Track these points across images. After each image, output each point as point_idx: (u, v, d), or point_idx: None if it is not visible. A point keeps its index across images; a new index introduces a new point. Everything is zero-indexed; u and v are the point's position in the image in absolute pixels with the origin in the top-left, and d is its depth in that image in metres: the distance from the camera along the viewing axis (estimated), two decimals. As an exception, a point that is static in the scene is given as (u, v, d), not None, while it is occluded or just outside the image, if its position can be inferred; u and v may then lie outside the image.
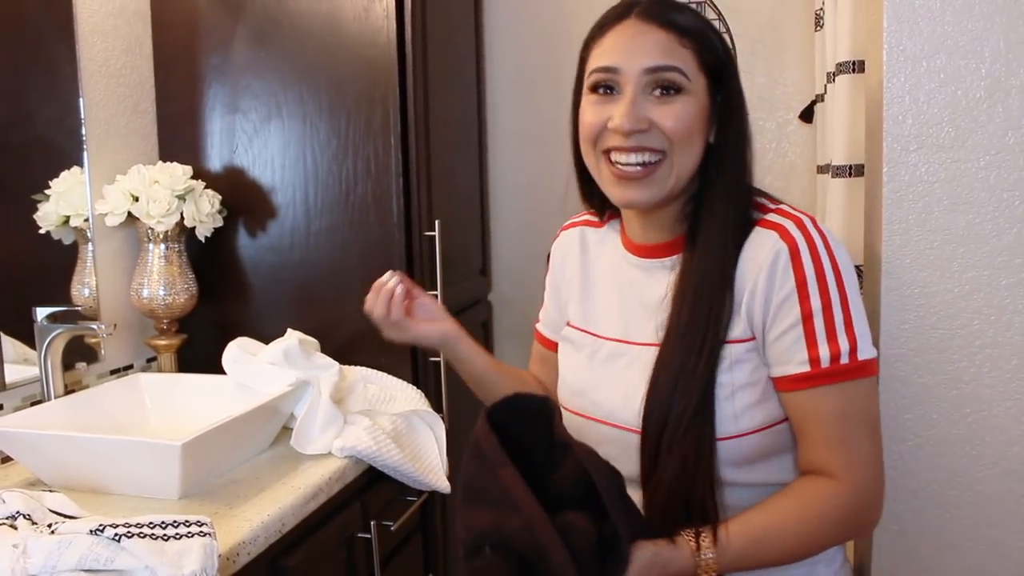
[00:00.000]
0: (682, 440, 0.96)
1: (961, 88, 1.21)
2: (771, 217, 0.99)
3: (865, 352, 0.96)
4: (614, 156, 1.01)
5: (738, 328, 0.99)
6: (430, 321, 1.31)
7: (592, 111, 1.02)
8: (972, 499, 1.26)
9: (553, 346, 1.27)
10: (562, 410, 1.14)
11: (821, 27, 1.94)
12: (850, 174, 1.60)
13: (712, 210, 1.01)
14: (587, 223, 1.23)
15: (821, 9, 1.93)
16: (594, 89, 1.02)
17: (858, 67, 1.59)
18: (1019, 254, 1.20)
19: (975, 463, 1.25)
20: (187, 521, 1.01)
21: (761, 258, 0.96)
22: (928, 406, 1.24)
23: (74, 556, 0.93)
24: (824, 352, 0.95)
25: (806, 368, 0.96)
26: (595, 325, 1.14)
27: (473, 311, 2.28)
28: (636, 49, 0.99)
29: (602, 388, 1.10)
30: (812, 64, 2.12)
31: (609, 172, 1.02)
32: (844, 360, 0.95)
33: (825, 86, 1.89)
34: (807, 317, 0.95)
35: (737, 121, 1.03)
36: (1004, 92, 1.19)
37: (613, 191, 1.03)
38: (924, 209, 1.22)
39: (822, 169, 1.94)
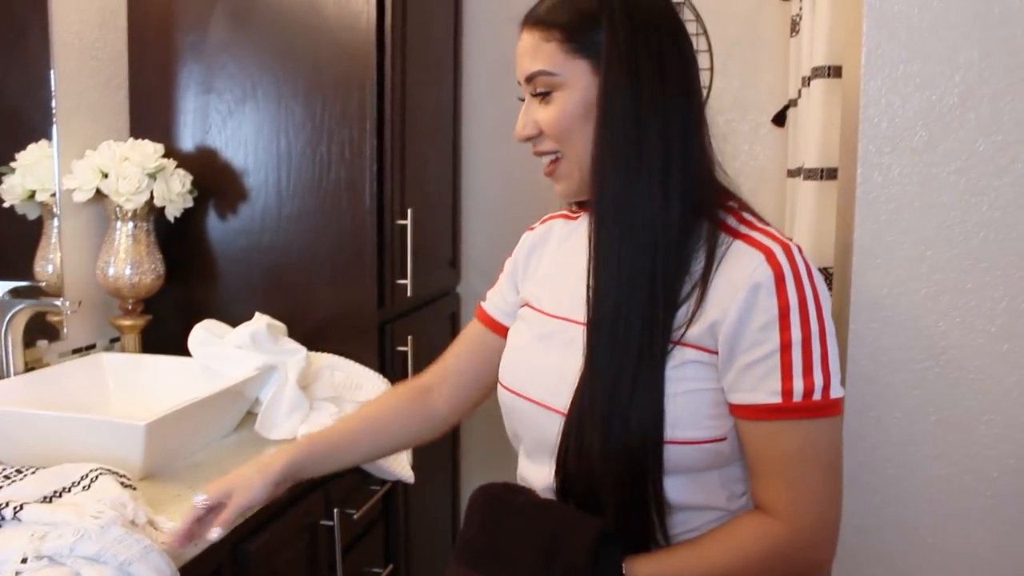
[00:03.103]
0: (612, 439, 0.93)
1: (936, 93, 1.23)
2: (758, 237, 0.95)
3: (836, 391, 0.93)
4: None
5: (693, 331, 0.94)
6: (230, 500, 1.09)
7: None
8: (932, 496, 1.28)
9: (489, 322, 1.23)
10: (500, 392, 1.12)
11: (797, 32, 1.96)
12: (822, 177, 1.62)
13: (597, 178, 0.97)
14: (564, 216, 1.22)
15: (798, 15, 1.95)
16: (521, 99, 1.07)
17: (834, 72, 1.61)
18: (985, 258, 1.22)
19: (936, 461, 1.27)
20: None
21: (743, 277, 0.92)
22: (892, 404, 1.26)
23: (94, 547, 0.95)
24: (798, 386, 0.91)
25: (776, 400, 0.91)
26: (547, 305, 1.11)
27: (442, 302, 2.28)
28: (518, 60, 1.03)
29: (536, 366, 1.07)
30: (787, 69, 2.14)
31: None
32: (816, 396, 0.91)
33: (799, 90, 1.91)
34: (785, 348, 0.91)
35: (630, 80, 0.95)
36: (976, 99, 1.22)
37: (555, 188, 1.07)
38: (895, 211, 1.23)
39: (793, 173, 1.96)
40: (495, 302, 1.24)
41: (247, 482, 1.09)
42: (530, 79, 1.01)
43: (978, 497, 1.27)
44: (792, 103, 2.05)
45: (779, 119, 2.23)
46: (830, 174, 1.60)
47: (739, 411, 0.94)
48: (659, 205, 0.95)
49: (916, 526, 1.29)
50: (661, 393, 0.93)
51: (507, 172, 2.40)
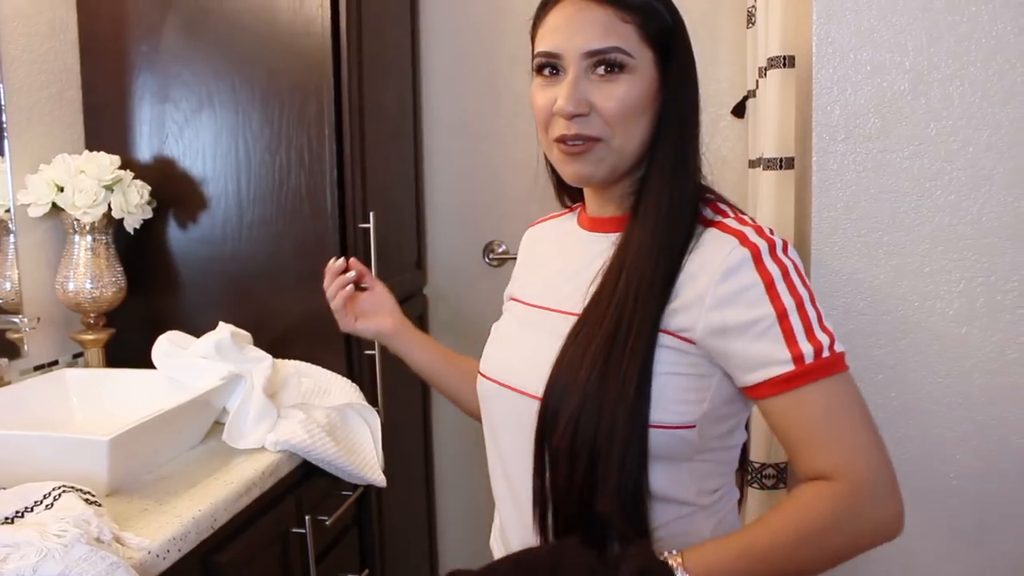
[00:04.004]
0: (593, 418, 0.92)
1: (886, 80, 1.24)
2: (729, 222, 0.96)
3: (840, 345, 0.93)
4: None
5: (666, 318, 0.95)
6: (367, 316, 1.30)
7: (540, 94, 1.01)
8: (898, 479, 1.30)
9: None
10: (479, 381, 1.12)
11: (753, 24, 1.98)
12: (780, 167, 1.63)
13: (650, 188, 0.99)
14: (554, 217, 1.24)
15: (753, 6, 1.96)
16: (540, 70, 1.01)
17: (788, 62, 1.62)
18: (941, 242, 1.24)
19: (898, 445, 1.28)
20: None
21: (717, 264, 0.93)
22: (855, 390, 1.28)
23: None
24: (806, 348, 0.90)
25: (789, 368, 0.90)
26: (527, 295, 1.13)
27: (409, 304, 2.27)
28: (575, 30, 0.97)
29: (515, 353, 1.08)
30: (744, 60, 2.16)
31: (559, 152, 1.01)
32: (826, 354, 0.91)
33: (757, 81, 1.92)
34: (782, 316, 0.90)
35: (687, 92, 1.01)
36: (926, 85, 1.23)
37: (564, 169, 1.02)
38: (851, 198, 1.25)
39: (753, 163, 1.98)
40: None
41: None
42: (595, 54, 0.96)
43: (942, 479, 1.29)
44: (751, 94, 2.07)
45: (739, 110, 2.24)
46: (788, 163, 1.62)
47: (755, 391, 0.93)
48: (673, 209, 0.97)
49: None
50: (648, 379, 0.93)
51: (469, 171, 2.39)
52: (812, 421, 0.91)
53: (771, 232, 0.95)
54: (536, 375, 0.99)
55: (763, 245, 0.93)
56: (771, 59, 1.66)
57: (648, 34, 0.98)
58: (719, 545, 0.90)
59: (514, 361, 1.07)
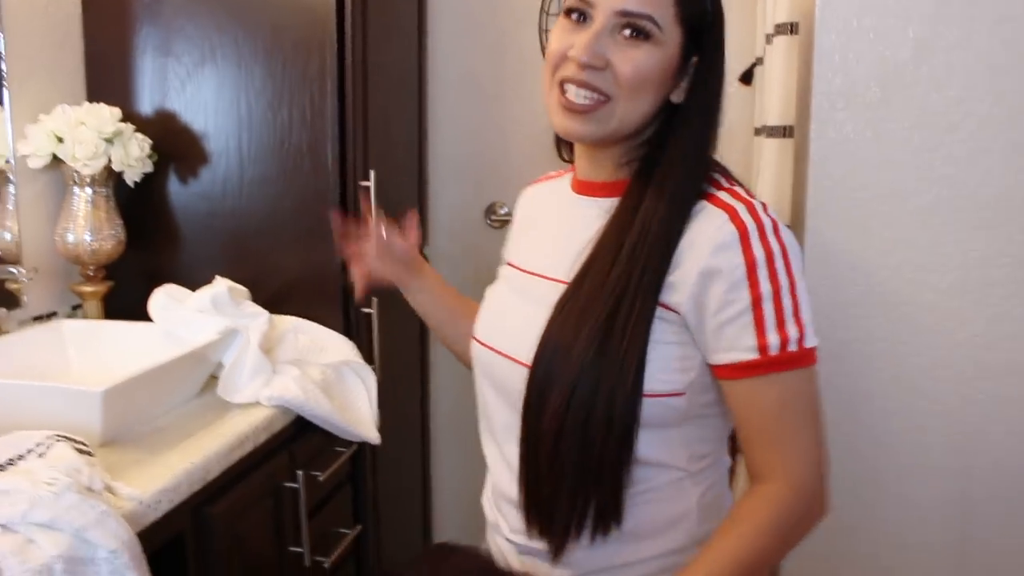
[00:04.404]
0: (589, 394, 0.93)
1: (889, 49, 1.23)
2: (723, 196, 0.96)
3: (811, 340, 0.94)
4: (565, 85, 0.99)
5: (665, 294, 0.96)
6: (387, 263, 1.32)
7: (559, 36, 1.00)
8: (882, 451, 1.30)
9: None
10: (472, 346, 1.13)
11: (762, -12, 1.95)
12: (784, 135, 1.62)
13: (672, 164, 0.99)
14: (551, 178, 1.23)
15: (763, -29, 1.94)
16: (568, 13, 1.00)
17: (794, 29, 1.60)
18: (937, 214, 1.23)
19: (887, 417, 1.29)
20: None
21: (705, 239, 0.93)
22: (844, 361, 1.28)
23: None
24: (773, 339, 0.92)
25: (754, 355, 0.92)
26: (521, 260, 1.13)
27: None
28: None
29: (507, 319, 1.08)
30: (754, 27, 2.13)
31: (557, 100, 1.00)
32: (792, 348, 0.92)
33: (764, 48, 1.90)
34: (756, 303, 0.92)
35: (712, 87, 1.01)
36: (930, 53, 1.22)
37: (556, 119, 1.01)
38: (849, 167, 1.24)
39: (759, 131, 1.96)
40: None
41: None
42: (627, 15, 0.95)
43: (926, 451, 1.29)
44: (759, 61, 2.04)
45: (746, 77, 2.21)
46: (791, 132, 1.60)
47: (719, 371, 0.95)
48: (680, 201, 0.97)
49: (874, 480, 1.32)
50: (645, 355, 0.94)
51: (475, 130, 2.38)
52: (764, 413, 0.94)
53: (764, 210, 0.95)
54: (527, 343, 1.00)
55: (752, 225, 0.92)
56: (778, 25, 1.64)
57: (684, 14, 0.97)
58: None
59: (506, 327, 1.07)
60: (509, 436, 1.05)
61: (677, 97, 1.01)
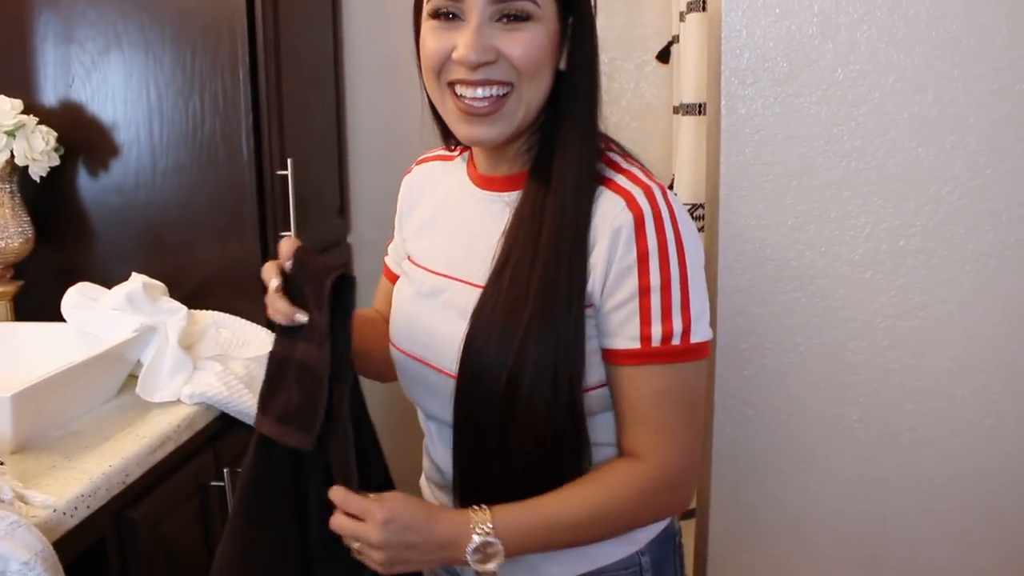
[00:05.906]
0: (530, 394, 0.92)
1: (795, 24, 1.24)
2: (620, 181, 0.95)
3: (699, 335, 0.94)
4: (459, 89, 0.95)
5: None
6: None
7: (434, 38, 0.95)
8: (802, 423, 1.33)
9: (393, 277, 1.20)
10: (391, 350, 1.10)
11: (675, -34, 1.96)
12: (699, 112, 1.64)
13: (565, 145, 0.96)
14: (440, 157, 1.19)
15: (675, -52, 1.95)
16: (436, 15, 0.95)
17: (704, 5, 1.61)
18: (847, 187, 1.25)
19: (807, 390, 1.31)
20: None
21: (604, 225, 0.92)
22: (763, 336, 1.30)
23: None
24: (656, 331, 0.92)
25: (636, 344, 0.92)
26: (427, 259, 1.10)
27: (331, 254, 2.24)
28: None
29: (422, 325, 1.05)
30: (669, 4, 2.14)
31: (455, 107, 0.96)
32: (675, 341, 0.92)
33: (679, 26, 1.91)
34: (644, 292, 0.91)
35: (588, 45, 0.98)
36: (834, 28, 1.24)
37: (459, 128, 0.97)
38: (760, 143, 1.25)
39: (677, 109, 1.98)
40: (393, 256, 1.22)
41: None
42: (502, 2, 0.91)
43: (845, 421, 1.32)
44: (675, 39, 2.06)
45: (663, 55, 2.23)
46: (704, 109, 1.62)
47: (605, 355, 0.95)
48: (586, 172, 0.95)
49: (787, 452, 1.34)
50: (583, 356, 0.93)
51: (394, 115, 2.34)
52: (640, 399, 0.94)
53: (664, 194, 0.94)
54: (449, 352, 0.97)
55: (648, 212, 0.92)
56: (690, 3, 1.65)
57: None
58: (530, 511, 0.93)
59: (421, 335, 1.04)
60: (444, 438, 1.04)
61: (563, 64, 0.98)
